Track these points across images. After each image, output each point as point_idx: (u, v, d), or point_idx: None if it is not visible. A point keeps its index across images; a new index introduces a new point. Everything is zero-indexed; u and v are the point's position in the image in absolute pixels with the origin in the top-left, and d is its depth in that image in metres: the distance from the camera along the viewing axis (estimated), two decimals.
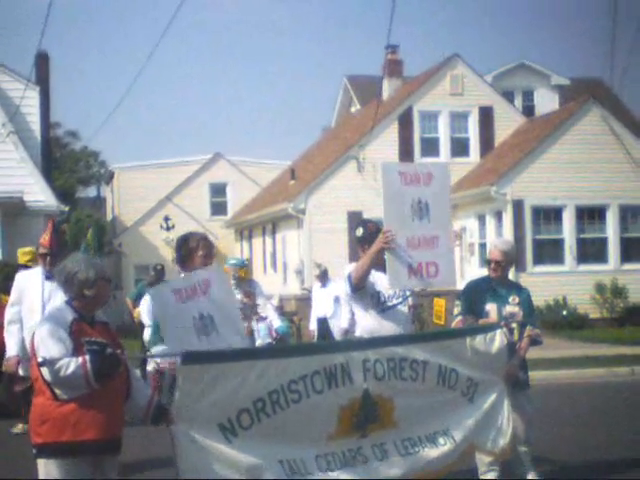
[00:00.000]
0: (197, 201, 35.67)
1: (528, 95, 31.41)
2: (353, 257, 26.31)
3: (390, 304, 6.51)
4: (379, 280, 6.42)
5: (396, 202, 6.11)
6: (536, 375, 13.14)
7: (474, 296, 7.11)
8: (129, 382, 4.99)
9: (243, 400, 4.82)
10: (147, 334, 14.21)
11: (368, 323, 6.53)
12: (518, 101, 30.94)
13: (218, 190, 36.80)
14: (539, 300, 22.05)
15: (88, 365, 4.61)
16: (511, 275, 23.30)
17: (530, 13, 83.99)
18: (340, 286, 13.63)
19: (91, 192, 51.61)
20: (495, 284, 7.17)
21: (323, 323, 14.65)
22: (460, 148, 28.02)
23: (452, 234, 6.53)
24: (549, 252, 23.94)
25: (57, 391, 4.70)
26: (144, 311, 14.39)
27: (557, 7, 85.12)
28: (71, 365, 4.60)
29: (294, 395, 4.99)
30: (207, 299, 5.34)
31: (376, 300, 6.49)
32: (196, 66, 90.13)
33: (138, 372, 6.11)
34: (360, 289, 6.46)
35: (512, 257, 7.24)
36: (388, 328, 6.41)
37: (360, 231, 6.61)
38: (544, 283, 22.74)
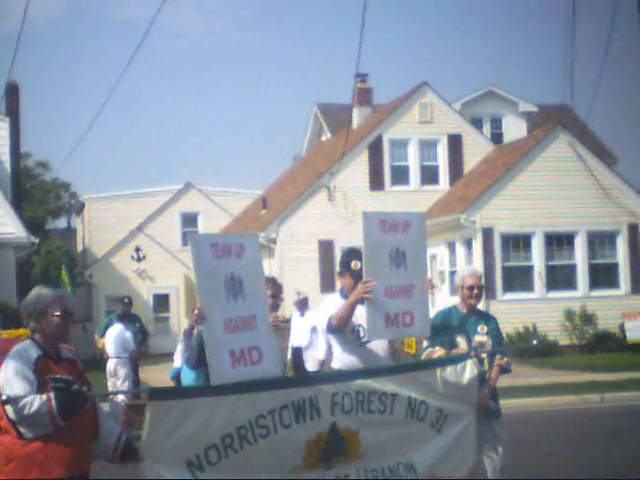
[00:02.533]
0: (168, 231, 35.54)
1: (496, 122, 31.73)
2: (324, 286, 26.37)
3: (369, 339, 6.53)
4: (359, 314, 6.44)
5: (376, 251, 6.11)
6: (507, 403, 13.16)
7: (443, 327, 7.09)
8: (96, 419, 4.94)
9: (211, 436, 4.80)
10: (110, 365, 14.13)
11: (346, 357, 6.51)
12: (486, 128, 31.24)
13: (189, 220, 36.70)
14: (509, 327, 22.17)
15: (53, 402, 4.57)
16: (481, 302, 23.45)
17: (498, 40, 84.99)
18: (318, 316, 13.62)
19: (61, 223, 51.29)
20: (464, 314, 7.17)
21: (298, 353, 14.55)
22: (430, 176, 28.19)
23: (428, 282, 6.53)
24: (519, 279, 24.07)
25: (22, 429, 4.65)
26: (109, 342, 14.29)
27: (525, 34, 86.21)
28: (35, 402, 4.56)
29: (262, 430, 4.98)
30: (240, 262, 5.37)
31: (356, 335, 6.49)
32: (166, 96, 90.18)
33: (106, 408, 6.06)
34: (340, 332, 6.48)
35: None
36: (367, 362, 6.40)
37: (358, 265, 6.52)
38: (514, 310, 22.83)
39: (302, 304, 14.50)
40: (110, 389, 13.92)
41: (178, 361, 11.82)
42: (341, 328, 6.39)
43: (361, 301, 6.15)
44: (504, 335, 24.16)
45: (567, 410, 14.27)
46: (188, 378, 10.02)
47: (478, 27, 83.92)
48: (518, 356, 21.27)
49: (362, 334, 6.49)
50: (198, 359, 5.88)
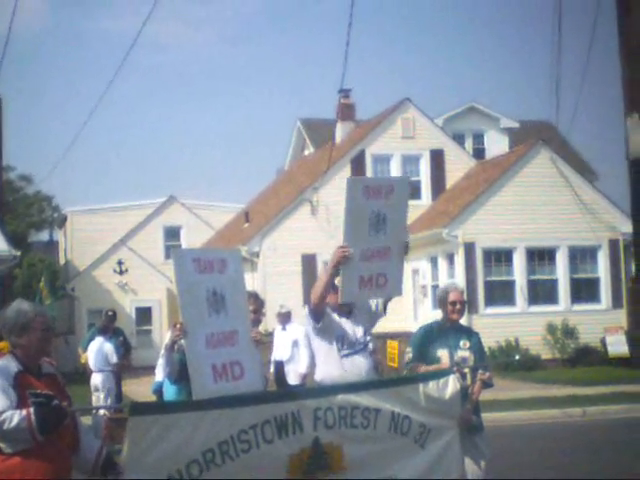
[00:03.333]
0: (151, 244, 35.46)
1: (478, 138, 31.93)
2: (307, 300, 26.21)
3: (352, 350, 6.55)
4: (345, 325, 6.50)
5: (357, 216, 6.16)
6: (489, 417, 13.21)
7: (425, 343, 7.12)
8: (77, 434, 4.92)
9: (193, 451, 4.78)
10: (93, 379, 14.06)
11: (330, 370, 6.55)
12: (469, 144, 31.42)
13: (172, 233, 36.65)
14: (491, 342, 22.25)
15: (32, 417, 4.55)
16: (463, 317, 23.40)
17: (480, 57, 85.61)
18: (300, 329, 13.63)
19: (44, 236, 51.10)
20: (446, 329, 7.20)
21: (279, 367, 14.52)
22: (412, 191, 28.19)
23: (405, 246, 6.51)
24: (500, 294, 24.19)
25: (1, 445, 4.62)
26: (91, 356, 14.23)
27: (507, 51, 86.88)
28: (15, 418, 4.53)
29: (244, 445, 4.96)
30: (222, 278, 5.37)
31: (340, 344, 6.53)
32: (150, 109, 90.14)
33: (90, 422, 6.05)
34: (321, 316, 6.50)
35: None
36: (351, 374, 6.45)
37: None
38: (496, 325, 22.93)
39: (284, 318, 14.47)
40: (94, 403, 13.86)
41: (160, 375, 11.78)
42: (320, 306, 6.43)
43: (336, 270, 6.21)
44: (486, 349, 24.19)
45: (549, 424, 14.34)
46: (170, 392, 9.98)
47: (461, 43, 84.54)
48: (501, 370, 21.33)
49: (345, 345, 6.54)
50: (180, 373, 5.88)
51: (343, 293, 6.25)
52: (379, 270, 6.31)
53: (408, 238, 6.58)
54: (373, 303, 6.94)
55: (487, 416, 12.57)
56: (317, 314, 6.53)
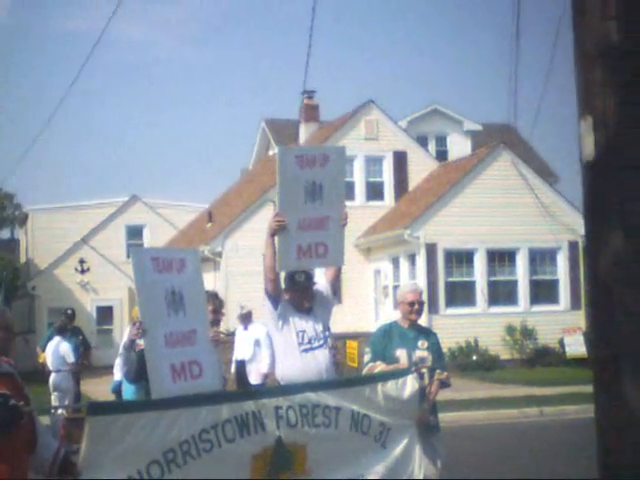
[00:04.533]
0: (113, 243, 35.26)
1: (441, 140, 32.16)
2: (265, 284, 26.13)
3: (312, 346, 6.61)
4: (305, 320, 6.58)
5: (291, 185, 6.20)
6: (448, 417, 13.36)
7: (384, 343, 7.19)
8: (34, 434, 4.91)
9: (153, 451, 4.77)
10: (52, 379, 13.97)
11: (290, 365, 6.61)
12: (432, 146, 31.63)
13: (135, 232, 36.48)
14: (451, 342, 22.47)
15: None
16: (424, 317, 23.67)
17: (444, 60, 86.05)
18: (261, 329, 13.65)
19: (5, 234, 50.53)
20: (404, 329, 7.27)
21: (240, 367, 14.54)
22: (375, 192, 28.44)
23: (344, 215, 6.52)
24: (461, 294, 24.42)
25: None
26: (48, 356, 14.14)
27: (471, 54, 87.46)
28: None
29: (205, 445, 4.96)
30: (180, 277, 5.40)
31: (300, 339, 6.58)
32: (114, 108, 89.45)
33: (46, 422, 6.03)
34: (278, 298, 6.54)
35: None
36: (311, 369, 6.51)
37: (302, 276, 6.68)
38: (456, 325, 23.17)
39: (246, 318, 14.48)
40: (53, 403, 13.77)
41: (118, 374, 11.75)
42: (274, 282, 6.50)
43: (273, 236, 6.32)
44: (446, 349, 24.47)
45: (507, 424, 14.48)
46: (128, 392, 9.96)
47: (425, 46, 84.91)
48: (460, 370, 21.53)
49: (305, 340, 6.59)
50: (138, 372, 5.90)
51: (280, 262, 6.28)
52: (318, 239, 6.32)
53: (346, 208, 6.56)
54: (326, 291, 6.95)
55: (445, 416, 12.74)
56: (274, 294, 6.56)
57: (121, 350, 6.50)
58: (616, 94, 3.90)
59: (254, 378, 13.93)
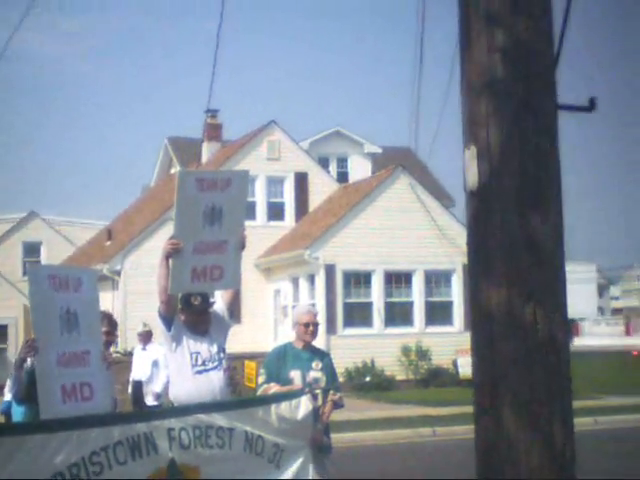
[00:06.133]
0: (9, 260, 34.48)
1: (342, 162, 32.58)
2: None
3: (207, 367, 6.64)
4: (199, 342, 6.57)
5: (188, 209, 6.14)
6: (343, 437, 13.58)
7: (278, 364, 7.28)
8: None
9: (41, 474, 4.69)
10: None
11: (183, 386, 6.59)
12: (333, 167, 32.02)
13: (32, 249, 35.78)
14: (348, 362, 22.76)
15: None
16: (322, 337, 23.72)
17: (347, 83, 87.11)
18: (160, 350, 13.56)
19: None
20: (299, 350, 7.38)
21: (137, 387, 14.40)
22: (276, 212, 28.63)
23: (243, 237, 6.51)
24: (359, 315, 24.72)
25: None
26: None
27: (371, 75, 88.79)
28: None
29: (96, 467, 4.92)
30: (76, 296, 5.42)
31: (194, 361, 6.58)
32: (12, 122, 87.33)
33: None
34: (171, 319, 6.54)
35: None
36: (204, 391, 6.50)
37: (197, 299, 6.66)
38: (353, 345, 23.49)
39: (145, 337, 14.32)
40: None
41: (9, 395, 11.53)
42: (167, 304, 6.44)
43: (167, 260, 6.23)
44: (343, 370, 24.58)
45: (400, 444, 14.72)
46: (17, 413, 9.70)
47: (328, 68, 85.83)
48: (355, 390, 21.83)
49: (200, 361, 6.62)
50: (27, 393, 5.84)
51: (173, 284, 6.23)
52: (214, 262, 6.28)
53: (245, 231, 6.52)
54: (222, 312, 6.99)
55: (341, 436, 12.95)
56: (167, 315, 6.53)
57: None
58: (500, 126, 4.00)
59: (151, 399, 13.86)
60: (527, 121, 4.01)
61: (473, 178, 4.06)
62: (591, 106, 4.36)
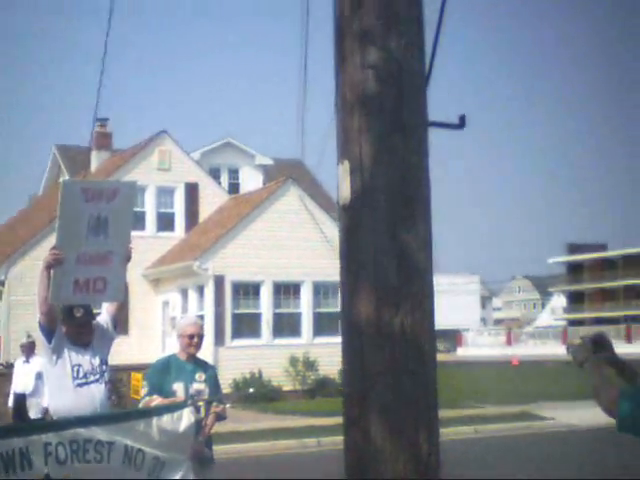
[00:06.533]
0: None
1: (234, 173, 32.61)
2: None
3: (88, 380, 6.60)
4: (81, 354, 6.51)
5: (72, 219, 6.07)
6: (228, 449, 13.63)
7: (161, 376, 7.26)
8: None
9: None
10: None
11: (63, 399, 6.51)
12: (224, 178, 32.01)
13: None
14: (236, 373, 22.82)
15: None
16: (210, 349, 23.68)
17: (240, 94, 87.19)
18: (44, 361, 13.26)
19: None
20: (182, 362, 7.38)
21: (20, 400, 14.10)
22: (166, 223, 28.45)
23: (129, 251, 6.43)
24: (247, 326, 24.78)
25: None
26: None
27: (262, 87, 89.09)
28: None
29: None
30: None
31: (75, 373, 6.51)
32: None
33: None
34: (52, 331, 6.45)
35: None
36: (85, 404, 6.43)
37: (80, 311, 6.56)
38: (242, 356, 23.55)
39: (29, 349, 14.04)
40: None
41: None
42: (48, 315, 6.36)
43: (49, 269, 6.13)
44: (231, 381, 24.50)
45: (285, 454, 14.83)
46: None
47: (220, 81, 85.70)
48: (242, 402, 21.87)
49: (81, 374, 6.58)
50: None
51: (54, 295, 6.14)
52: (97, 274, 6.22)
53: (131, 243, 6.44)
54: (106, 324, 6.94)
55: (226, 448, 12.97)
56: (47, 327, 6.43)
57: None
58: (371, 142, 4.04)
59: (34, 412, 13.60)
60: (398, 137, 4.07)
61: (345, 193, 4.11)
62: (461, 123, 4.46)
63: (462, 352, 76.26)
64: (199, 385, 7.32)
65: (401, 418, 4.05)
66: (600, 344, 3.66)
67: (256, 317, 24.93)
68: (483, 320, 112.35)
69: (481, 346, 74.90)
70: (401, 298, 4.06)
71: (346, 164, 4.09)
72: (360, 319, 4.09)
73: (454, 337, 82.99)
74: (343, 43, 4.18)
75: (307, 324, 25.35)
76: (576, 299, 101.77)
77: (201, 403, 7.13)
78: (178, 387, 7.23)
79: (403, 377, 4.07)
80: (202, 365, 7.58)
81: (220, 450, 7.64)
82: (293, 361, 24.54)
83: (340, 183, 4.16)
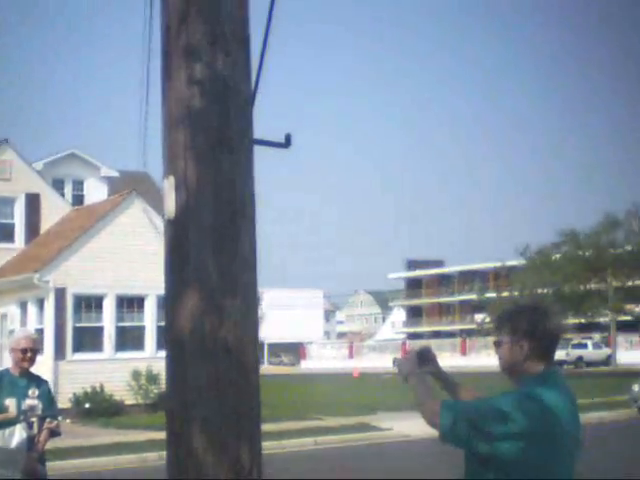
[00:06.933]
0: None
1: (78, 184, 32.02)
2: None
3: None
4: None
5: None
6: (65, 464, 13.48)
7: None
8: None
9: None
10: None
11: None
12: (68, 190, 31.40)
13: None
14: (77, 388, 22.46)
15: None
16: (50, 363, 23.26)
17: (84, 106, 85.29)
18: None
19: None
20: (15, 377, 7.30)
21: None
22: (5, 234, 27.69)
23: None
24: (89, 340, 24.38)
25: None
26: None
27: (110, 100, 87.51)
28: None
29: None
30: None
31: None
32: None
33: None
34: None
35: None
36: None
37: None
38: (83, 371, 23.18)
39: None
40: None
41: None
42: None
43: None
44: (72, 395, 24.06)
45: (127, 469, 14.74)
46: None
47: (67, 89, 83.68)
48: (83, 417, 21.55)
49: None
50: None
51: None
52: None
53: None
54: None
55: (62, 464, 12.83)
56: None
57: None
58: (196, 158, 4.05)
59: None
60: (222, 155, 4.10)
61: (171, 208, 4.11)
62: (287, 142, 4.63)
63: (305, 365, 77.23)
64: (32, 401, 7.26)
65: (223, 431, 4.10)
66: (425, 357, 3.80)
67: (98, 331, 24.55)
68: (327, 333, 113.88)
69: (324, 359, 76.02)
70: (225, 312, 4.10)
71: (171, 179, 4.11)
72: (184, 333, 4.12)
73: (297, 350, 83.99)
74: (170, 58, 4.20)
75: (150, 337, 25.15)
76: (415, 313, 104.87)
77: (34, 419, 7.12)
78: (10, 403, 7.15)
79: (226, 391, 4.11)
80: (36, 380, 7.50)
81: (56, 466, 7.60)
82: (136, 375, 24.31)
83: (165, 198, 4.15)
